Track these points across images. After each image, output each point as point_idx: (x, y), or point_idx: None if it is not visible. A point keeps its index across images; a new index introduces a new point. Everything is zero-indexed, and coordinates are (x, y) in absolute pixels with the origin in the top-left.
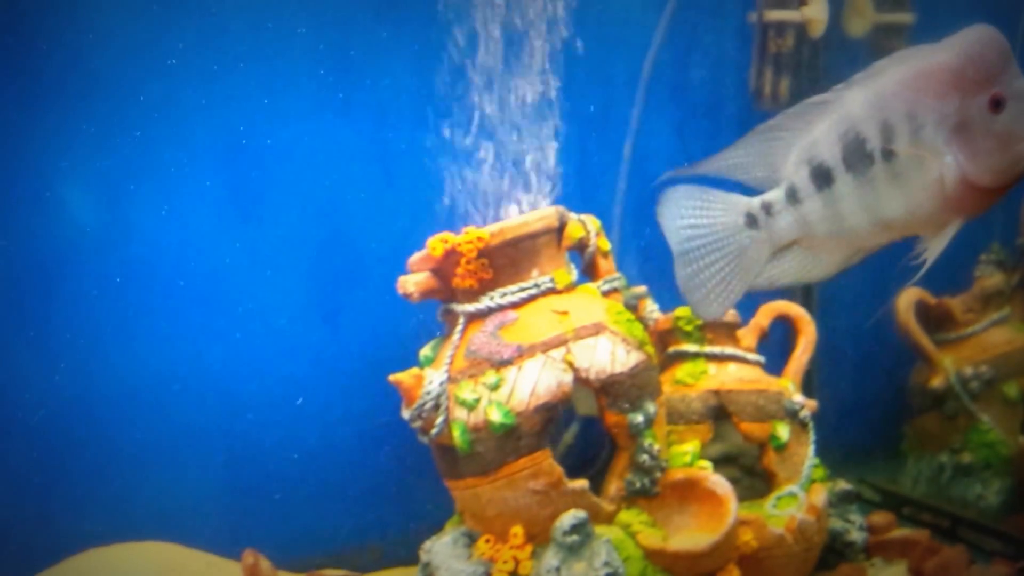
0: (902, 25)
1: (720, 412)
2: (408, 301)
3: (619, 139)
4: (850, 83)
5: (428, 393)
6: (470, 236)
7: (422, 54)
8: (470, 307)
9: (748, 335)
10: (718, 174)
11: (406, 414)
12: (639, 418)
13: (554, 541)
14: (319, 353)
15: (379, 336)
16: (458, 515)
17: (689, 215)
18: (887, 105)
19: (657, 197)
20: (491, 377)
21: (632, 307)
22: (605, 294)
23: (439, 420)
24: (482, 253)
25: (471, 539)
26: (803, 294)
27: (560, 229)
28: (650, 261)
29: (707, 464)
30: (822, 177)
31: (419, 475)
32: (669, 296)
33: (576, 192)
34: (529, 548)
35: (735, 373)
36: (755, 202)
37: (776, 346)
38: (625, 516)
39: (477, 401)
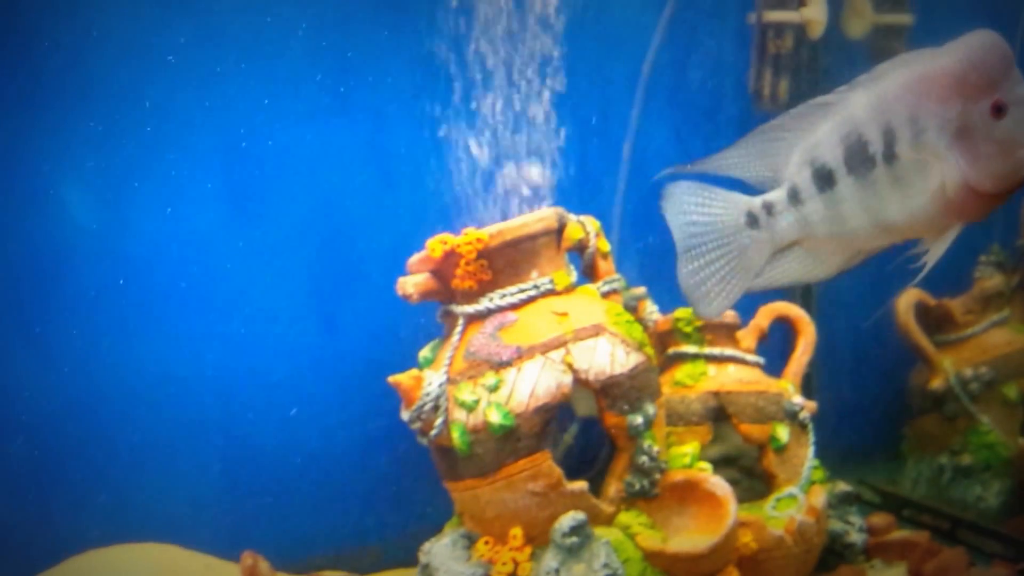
0: (901, 26)
1: (719, 413)
2: (407, 302)
3: (618, 140)
4: (853, 85)
5: (427, 394)
6: (469, 237)
7: (421, 56)
8: (469, 308)
9: (747, 336)
10: (719, 173)
11: (405, 415)
12: (638, 419)
13: (553, 543)
14: (318, 354)
15: (378, 337)
16: (457, 516)
17: (691, 211)
18: (889, 109)
19: (659, 192)
20: (490, 378)
21: (631, 308)
22: (604, 295)
23: (438, 421)
24: (481, 254)
25: (470, 541)
26: (803, 295)
27: (559, 230)
28: (649, 262)
29: (706, 465)
30: (824, 179)
31: (418, 477)
32: (669, 297)
33: (575, 193)
34: (528, 550)
35: (734, 374)
36: (756, 202)
37: (776, 347)
38: (624, 518)
39: (476, 402)
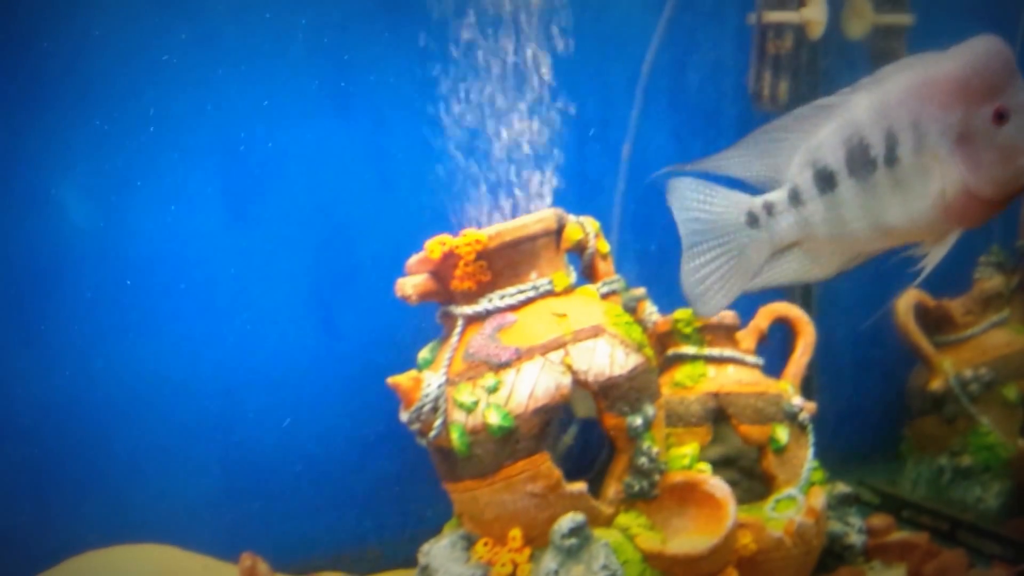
0: (901, 26)
1: (719, 414)
2: (406, 303)
3: (618, 141)
4: (856, 88)
5: (426, 395)
6: (468, 238)
7: (419, 57)
8: (468, 309)
9: (747, 337)
10: (720, 172)
11: (404, 416)
12: (638, 421)
13: (552, 544)
14: (317, 355)
15: (377, 338)
16: (456, 518)
17: (694, 207)
18: (892, 112)
19: (664, 188)
20: (489, 380)
21: (631, 309)
22: (604, 296)
23: (437, 422)
24: (480, 255)
25: (469, 542)
26: (802, 296)
27: (559, 231)
28: (649, 263)
29: (706, 467)
30: (825, 180)
31: (417, 478)
32: (668, 299)
33: (575, 194)
34: (527, 551)
35: (734, 375)
36: (757, 201)
37: (775, 348)
38: (624, 519)
39: (475, 404)
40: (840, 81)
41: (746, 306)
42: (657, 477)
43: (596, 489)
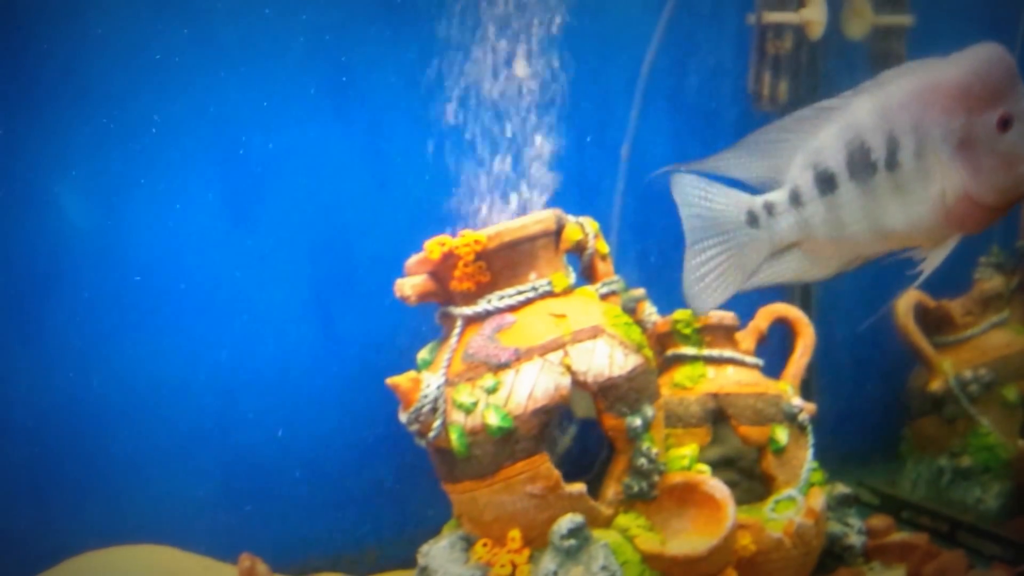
0: (901, 27)
1: (718, 415)
2: (405, 304)
3: (617, 141)
4: (858, 91)
5: (425, 396)
6: (467, 239)
7: (418, 59)
8: (467, 310)
9: (746, 338)
10: (721, 172)
11: (403, 417)
12: (637, 421)
13: (552, 545)
14: (316, 356)
15: (376, 339)
16: (455, 519)
17: (695, 204)
18: (894, 116)
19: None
20: (488, 380)
21: (630, 310)
22: (603, 297)
23: (436, 423)
24: (479, 256)
25: (468, 543)
26: (802, 297)
27: (558, 232)
28: (648, 264)
29: (705, 468)
30: (826, 182)
31: (416, 478)
32: (667, 299)
33: (574, 195)
34: (527, 552)
35: (733, 376)
36: (758, 201)
37: (775, 349)
38: (623, 520)
39: (474, 404)
40: (840, 82)
41: (745, 307)
42: (656, 478)
43: (595, 490)
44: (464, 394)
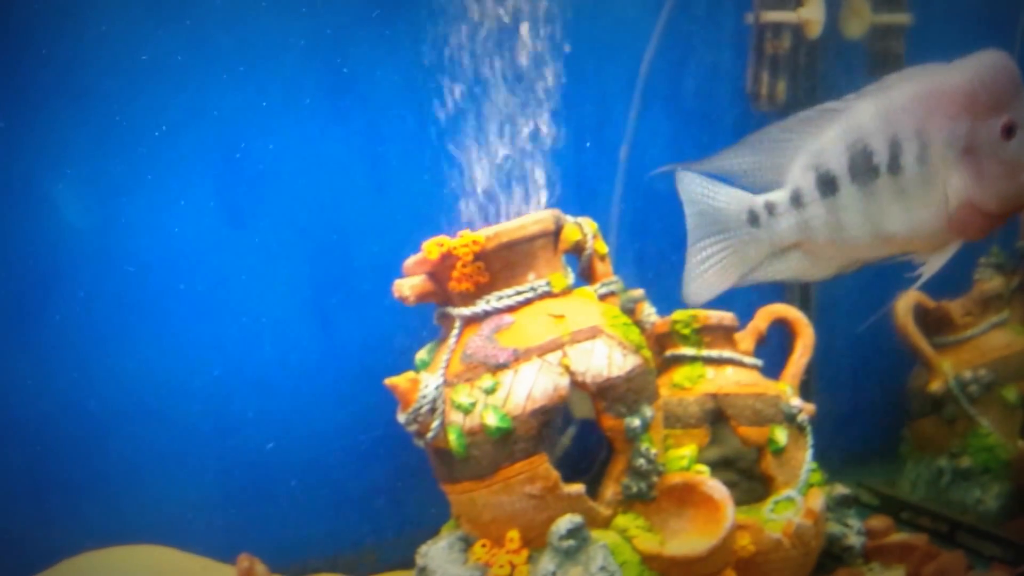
0: (900, 26)
1: (717, 416)
2: (404, 305)
3: (616, 141)
4: (861, 94)
5: (424, 397)
6: (466, 239)
7: (416, 60)
8: (466, 311)
9: (746, 338)
10: (723, 171)
11: (402, 418)
12: (636, 422)
13: (550, 546)
14: (315, 357)
15: (374, 340)
16: (454, 519)
17: (698, 201)
18: (897, 120)
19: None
20: (487, 381)
21: (629, 311)
22: (602, 297)
23: (435, 424)
24: (478, 256)
25: (467, 543)
26: (801, 297)
27: (556, 232)
28: (647, 264)
29: (704, 468)
30: (827, 184)
31: (415, 479)
32: (666, 300)
33: (573, 195)
34: (525, 553)
35: (733, 377)
36: (759, 200)
37: (774, 350)
38: (622, 520)
39: (473, 405)
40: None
41: (745, 307)
42: (655, 478)
43: (594, 490)
44: (462, 395)
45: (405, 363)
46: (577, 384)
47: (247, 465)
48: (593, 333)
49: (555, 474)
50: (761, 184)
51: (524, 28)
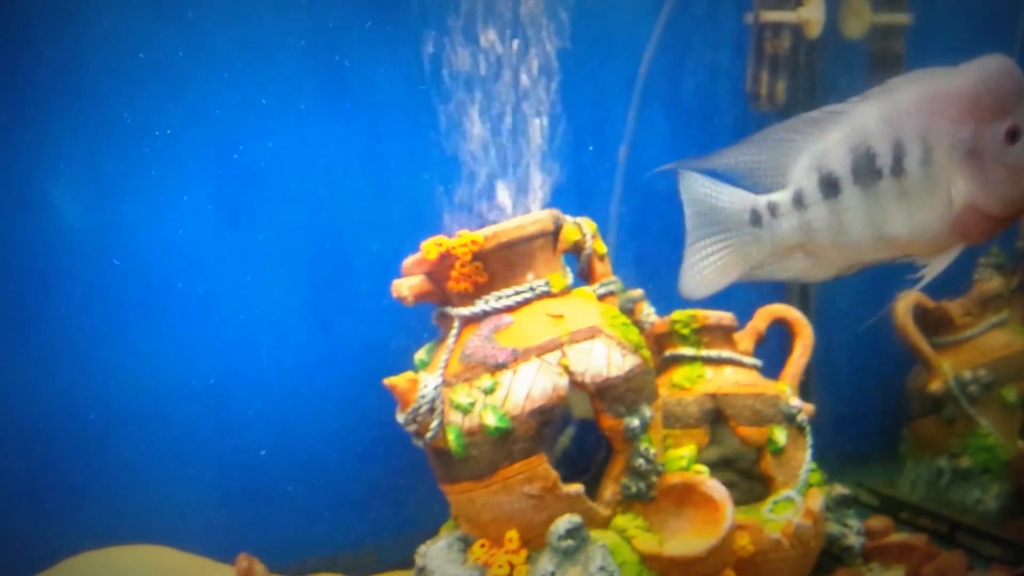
0: (899, 26)
1: (717, 416)
2: (402, 305)
3: (615, 141)
4: (865, 96)
5: (423, 397)
6: (465, 239)
7: (414, 60)
8: (465, 311)
9: (745, 339)
10: (725, 170)
11: (401, 418)
12: (635, 422)
13: (549, 546)
14: (313, 357)
15: (373, 340)
16: (453, 519)
17: (701, 200)
18: (901, 123)
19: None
20: (486, 381)
21: (628, 311)
22: (601, 298)
23: (434, 424)
24: (477, 256)
25: (466, 543)
26: (800, 298)
27: (555, 232)
28: (646, 264)
29: (703, 468)
30: (830, 186)
31: (414, 479)
32: (666, 300)
33: (572, 195)
34: (524, 553)
35: (732, 377)
36: (761, 201)
37: (773, 350)
38: (621, 520)
39: (472, 405)
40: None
41: (744, 307)
42: (654, 479)
43: (593, 490)
44: (461, 394)
45: (404, 363)
46: (576, 384)
47: (246, 465)
48: (592, 333)
49: (554, 474)
50: (764, 184)
51: (524, 28)
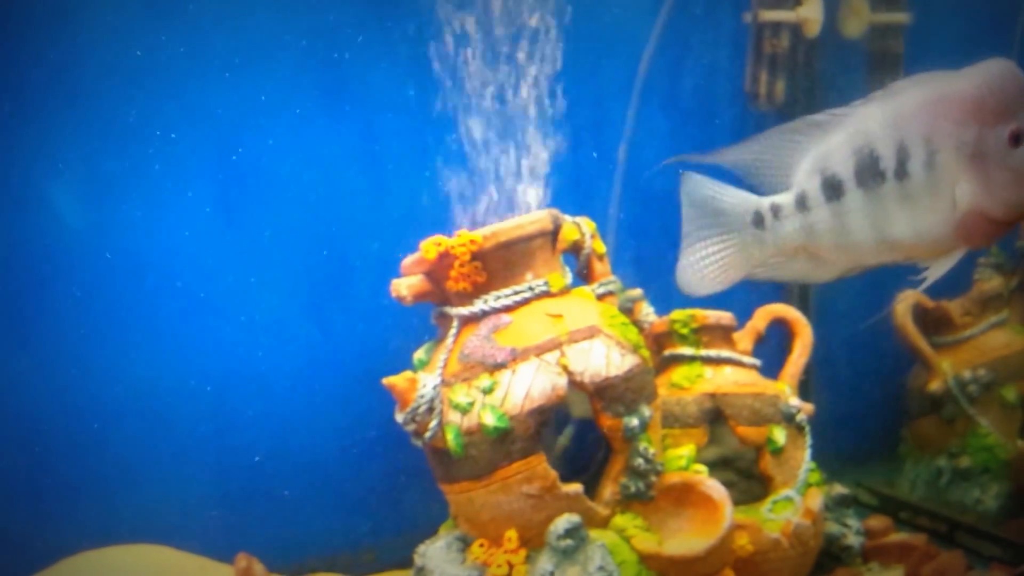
0: (898, 25)
1: (716, 415)
2: (401, 304)
3: (614, 141)
4: (869, 99)
5: (422, 396)
6: (463, 239)
7: (413, 60)
8: (464, 310)
9: (744, 338)
10: (728, 165)
11: (400, 417)
12: (634, 422)
13: (548, 545)
14: (313, 357)
15: (372, 340)
16: (452, 519)
17: (703, 201)
18: (905, 126)
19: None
20: (485, 380)
21: (627, 310)
22: (600, 297)
23: (433, 424)
24: (476, 256)
25: (465, 543)
26: (800, 297)
27: (554, 232)
28: (645, 264)
29: (702, 468)
30: (833, 188)
31: (413, 479)
32: (665, 299)
33: (571, 195)
34: (523, 552)
35: (731, 376)
36: (765, 202)
37: (773, 350)
38: (620, 520)
39: (471, 405)
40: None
41: (743, 307)
42: (654, 478)
43: (592, 490)
44: (460, 394)
45: (403, 363)
46: (575, 384)
47: (245, 464)
48: (591, 333)
49: (553, 474)
50: (766, 184)
51: (522, 27)
